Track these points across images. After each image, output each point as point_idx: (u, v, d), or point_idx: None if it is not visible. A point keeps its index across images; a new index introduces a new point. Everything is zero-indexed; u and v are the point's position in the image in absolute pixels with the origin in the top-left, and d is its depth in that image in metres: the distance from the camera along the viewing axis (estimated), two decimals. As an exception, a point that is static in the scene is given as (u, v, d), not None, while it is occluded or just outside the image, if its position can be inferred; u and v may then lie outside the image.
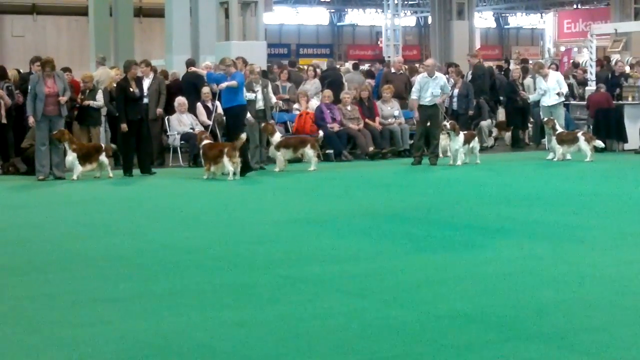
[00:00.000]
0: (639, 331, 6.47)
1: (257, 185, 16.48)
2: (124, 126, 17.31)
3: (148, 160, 17.97)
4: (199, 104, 20.05)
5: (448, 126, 18.84)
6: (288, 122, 20.97)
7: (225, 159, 16.47)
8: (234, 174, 16.50)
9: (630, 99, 22.63)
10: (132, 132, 17.40)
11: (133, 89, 17.47)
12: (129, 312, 7.32)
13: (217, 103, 19.98)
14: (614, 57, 30.14)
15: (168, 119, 19.42)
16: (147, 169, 17.70)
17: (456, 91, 21.75)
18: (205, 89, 20.03)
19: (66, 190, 15.96)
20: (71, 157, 16.86)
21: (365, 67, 31.55)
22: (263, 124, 18.28)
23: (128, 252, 9.95)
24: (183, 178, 17.02)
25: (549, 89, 20.16)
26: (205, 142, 17.00)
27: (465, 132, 19.41)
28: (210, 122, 19.60)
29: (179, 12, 25.71)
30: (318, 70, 24.72)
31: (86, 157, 17.02)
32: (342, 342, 6.41)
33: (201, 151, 17.09)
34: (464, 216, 12.28)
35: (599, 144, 19.91)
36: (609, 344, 6.21)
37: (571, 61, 35.64)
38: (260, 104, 18.37)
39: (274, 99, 19.48)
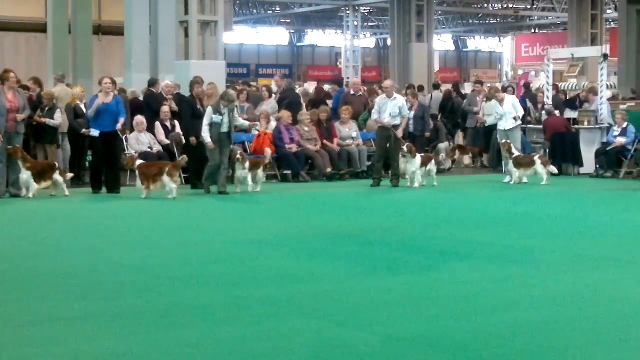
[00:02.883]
0: (593, 353, 6.51)
1: (213, 206, 16.46)
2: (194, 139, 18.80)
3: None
4: (157, 123, 20.01)
5: (405, 149, 18.92)
6: (246, 142, 20.94)
7: (166, 178, 16.54)
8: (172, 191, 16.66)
9: (586, 123, 22.86)
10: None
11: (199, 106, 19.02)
12: (84, 332, 7.26)
13: (176, 122, 19.99)
14: (571, 82, 30.49)
15: (126, 138, 19.36)
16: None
17: (412, 113, 21.85)
18: (165, 108, 20.02)
19: (22, 209, 15.84)
20: (25, 175, 16.74)
21: (326, 87, 31.59)
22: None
23: (83, 272, 9.88)
24: (139, 198, 16.92)
25: (505, 113, 20.33)
26: (139, 162, 17.13)
27: (422, 154, 19.50)
28: (168, 142, 19.59)
29: (138, 31, 25.64)
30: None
31: (41, 175, 16.93)
32: (298, 363, 6.42)
33: (138, 172, 17.11)
34: (421, 238, 12.33)
35: (553, 169, 20.08)
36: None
37: (522, 83, 35.91)
38: (225, 127, 17.95)
39: (240, 121, 18.91)
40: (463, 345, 6.82)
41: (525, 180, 19.70)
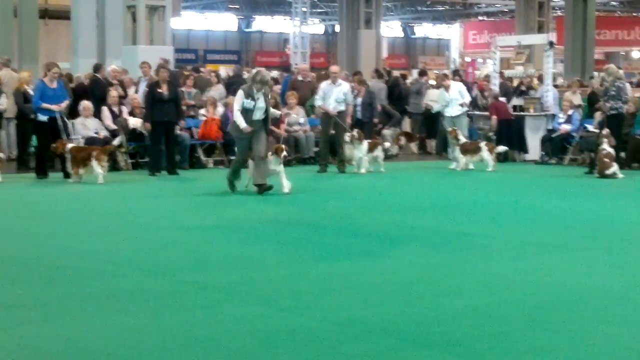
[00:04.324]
0: (535, 339, 6.57)
1: (162, 191, 16.39)
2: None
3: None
4: (104, 108, 19.88)
5: (349, 135, 18.96)
6: (193, 127, 20.85)
7: (94, 163, 16.49)
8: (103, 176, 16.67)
9: (531, 110, 23.05)
10: None
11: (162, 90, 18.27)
12: (27, 319, 7.21)
13: (123, 107, 19.90)
14: (519, 69, 30.65)
15: (72, 123, 19.20)
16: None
17: (359, 100, 21.89)
18: (113, 93, 19.91)
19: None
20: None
21: (274, 73, 31.54)
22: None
23: (26, 257, 9.80)
24: (84, 182, 16.79)
25: (451, 100, 20.44)
26: (70, 145, 17.06)
27: (369, 140, 19.55)
28: (115, 127, 19.48)
29: (85, 15, 25.46)
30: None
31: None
32: (243, 349, 6.40)
33: (69, 155, 16.96)
34: (367, 224, 12.36)
35: (502, 148, 20.33)
36: (505, 351, 6.30)
37: (476, 72, 36.14)
38: (258, 114, 15.60)
39: (275, 111, 16.90)
40: (409, 329, 6.86)
41: (471, 166, 19.83)
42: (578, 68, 37.50)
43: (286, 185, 15.54)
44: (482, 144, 20.13)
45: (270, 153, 15.60)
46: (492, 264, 9.55)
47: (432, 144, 24.87)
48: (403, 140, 24.46)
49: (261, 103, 15.58)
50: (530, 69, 32.07)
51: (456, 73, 28.86)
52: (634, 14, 58.22)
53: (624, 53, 56.96)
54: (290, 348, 6.41)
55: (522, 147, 22.76)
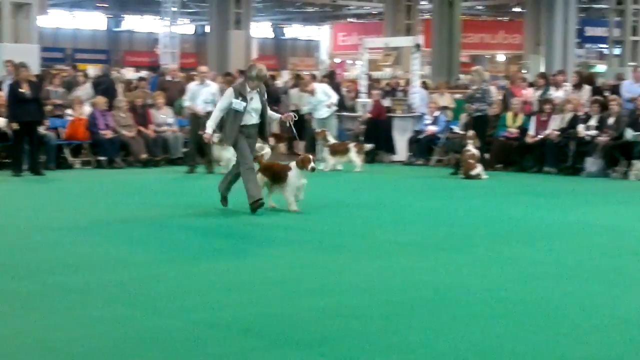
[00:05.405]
0: (399, 337, 6.64)
1: (25, 192, 16.10)
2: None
3: None
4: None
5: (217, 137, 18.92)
6: (60, 127, 20.53)
7: None
8: None
9: (399, 111, 23.35)
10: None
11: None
12: None
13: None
14: (387, 71, 31.04)
15: None
16: None
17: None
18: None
19: None
20: None
21: (143, 73, 31.26)
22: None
23: None
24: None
25: (319, 102, 20.52)
26: None
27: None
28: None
29: (-53, 11, 24.80)
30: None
31: None
32: (107, 350, 6.32)
33: None
34: (234, 224, 12.37)
35: (369, 146, 20.63)
36: (371, 349, 6.35)
37: (344, 74, 36.43)
38: (253, 116, 13.35)
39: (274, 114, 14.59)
40: (276, 329, 6.86)
41: (339, 167, 20.00)
42: (445, 70, 38.14)
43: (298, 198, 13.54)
44: (351, 145, 20.32)
45: (294, 163, 13.41)
46: (359, 263, 9.63)
47: (300, 144, 24.94)
48: (272, 141, 24.46)
49: (256, 103, 13.30)
50: (398, 71, 32.49)
51: (330, 76, 28.90)
52: (499, 19, 59.47)
53: (489, 56, 58.09)
54: (154, 349, 6.36)
55: (389, 148, 23.05)
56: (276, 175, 13.52)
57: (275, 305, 7.64)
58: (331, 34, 57.54)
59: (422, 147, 22.33)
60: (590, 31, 45.45)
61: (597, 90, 21.96)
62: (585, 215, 13.71)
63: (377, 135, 22.68)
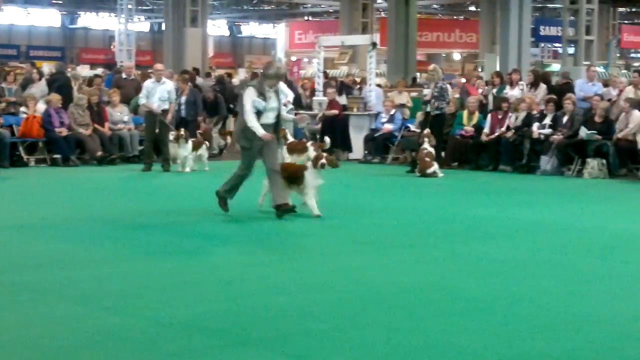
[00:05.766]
0: (354, 336, 6.65)
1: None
2: None
3: None
4: None
5: (179, 133, 18.88)
6: (14, 125, 20.36)
7: None
8: None
9: (355, 109, 23.40)
10: None
11: None
12: None
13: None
14: (343, 69, 31.10)
15: None
16: None
17: (183, 98, 21.79)
18: None
19: None
20: None
21: (98, 71, 31.11)
22: None
23: None
24: None
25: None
26: None
27: (194, 139, 19.50)
28: None
29: None
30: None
31: None
32: (61, 349, 6.29)
33: None
34: (190, 223, 12.30)
35: (327, 140, 20.61)
36: (325, 348, 6.37)
37: (300, 72, 36.42)
38: (270, 116, 12.67)
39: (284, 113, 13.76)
40: (231, 328, 6.86)
41: (296, 165, 20.00)
42: (401, 69, 38.23)
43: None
44: (309, 144, 20.31)
45: (310, 163, 13.01)
46: (315, 262, 9.66)
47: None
48: (229, 139, 24.46)
49: (273, 103, 12.67)
50: (354, 69, 32.57)
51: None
52: (454, 17, 59.78)
53: (445, 55, 58.35)
54: (108, 348, 6.33)
55: (346, 146, 23.08)
56: (292, 177, 12.90)
57: (232, 303, 7.64)
58: (287, 32, 57.46)
59: (378, 145, 22.39)
60: (545, 30, 45.80)
61: (552, 89, 22.12)
62: (540, 213, 13.81)
63: (333, 133, 22.68)
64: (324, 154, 13.29)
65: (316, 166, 12.75)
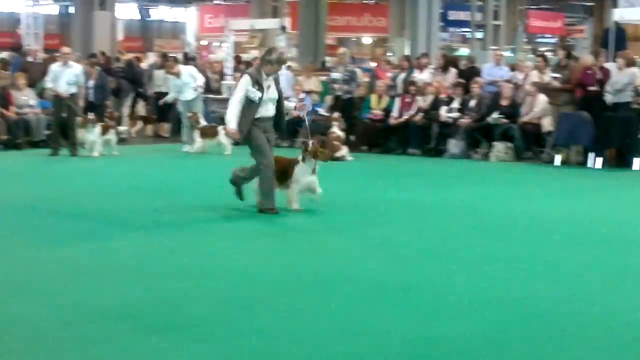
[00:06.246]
0: (259, 323, 6.62)
1: None
2: None
3: None
4: None
5: (87, 117, 18.72)
6: None
7: None
8: None
9: (265, 94, 23.36)
10: None
11: None
12: None
13: None
14: (253, 53, 31.02)
15: None
16: None
17: (92, 82, 21.59)
18: None
19: None
20: None
21: (4, 54, 30.51)
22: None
23: None
24: None
25: (184, 85, 20.31)
26: None
27: (102, 123, 19.33)
28: None
29: None
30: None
31: None
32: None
33: None
34: (94, 207, 12.17)
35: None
36: (231, 331, 6.37)
37: (210, 56, 36.25)
38: (270, 108, 11.72)
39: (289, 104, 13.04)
40: (140, 313, 6.83)
41: (207, 150, 19.95)
42: (311, 53, 38.24)
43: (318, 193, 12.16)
44: (220, 128, 20.28)
45: (300, 157, 12.13)
46: (220, 246, 9.64)
47: (165, 127, 24.81)
48: (140, 125, 24.39)
49: (272, 93, 11.68)
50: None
51: (189, 57, 28.80)
52: (364, 1, 59.92)
53: (355, 39, 58.50)
54: (17, 335, 6.26)
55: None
56: (282, 171, 12.04)
57: (138, 289, 7.61)
58: (198, 15, 57.12)
59: (288, 129, 22.36)
60: (454, 15, 46.16)
61: (461, 73, 22.36)
62: (448, 196, 13.97)
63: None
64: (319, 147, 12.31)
65: (309, 157, 11.91)
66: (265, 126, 11.71)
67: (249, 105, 11.45)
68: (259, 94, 11.41)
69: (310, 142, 12.07)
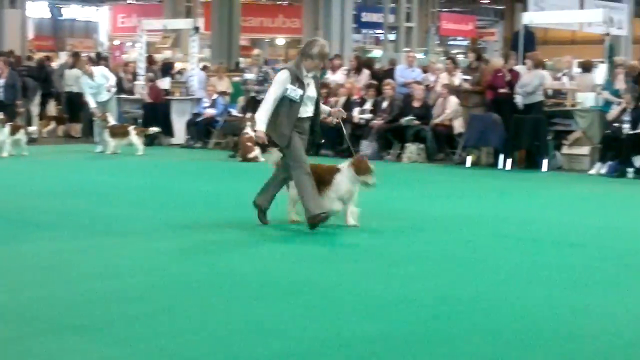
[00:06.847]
0: (177, 322, 6.56)
1: None
2: None
3: None
4: None
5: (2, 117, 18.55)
6: None
7: None
8: None
9: (177, 94, 23.32)
10: None
11: None
12: None
13: None
14: (166, 53, 30.87)
15: None
16: None
17: (2, 81, 21.30)
18: None
19: None
20: None
21: None
22: None
23: None
24: None
25: (99, 86, 20.10)
26: None
27: (12, 123, 19.10)
28: None
29: None
30: None
31: None
32: None
33: None
34: (6, 208, 12.03)
35: (154, 129, 20.57)
36: (155, 332, 6.31)
37: (123, 56, 35.98)
38: (309, 108, 10.57)
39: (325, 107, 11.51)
40: (53, 314, 6.72)
41: (118, 150, 19.82)
42: (224, 53, 38.17)
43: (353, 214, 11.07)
44: (131, 128, 20.18)
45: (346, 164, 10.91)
46: (131, 245, 9.58)
47: (76, 127, 24.59)
48: (53, 125, 24.17)
49: (312, 91, 10.51)
50: (178, 54, 32.37)
51: (101, 57, 28.56)
52: (278, 2, 59.97)
53: (269, 40, 58.50)
54: None
55: (168, 130, 22.97)
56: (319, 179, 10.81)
57: (51, 289, 7.52)
58: (110, 15, 56.65)
59: (201, 130, 22.37)
60: (367, 17, 46.49)
61: (375, 75, 22.52)
62: (359, 197, 14.02)
63: (155, 117, 22.57)
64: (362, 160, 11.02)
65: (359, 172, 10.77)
66: (302, 127, 10.56)
67: (291, 105, 10.31)
68: (300, 92, 10.26)
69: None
